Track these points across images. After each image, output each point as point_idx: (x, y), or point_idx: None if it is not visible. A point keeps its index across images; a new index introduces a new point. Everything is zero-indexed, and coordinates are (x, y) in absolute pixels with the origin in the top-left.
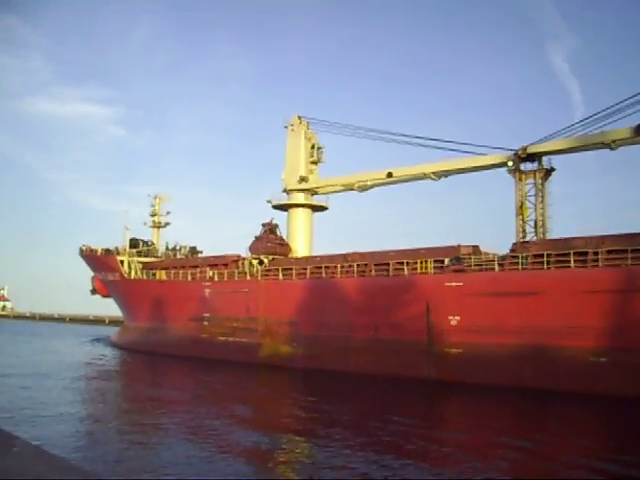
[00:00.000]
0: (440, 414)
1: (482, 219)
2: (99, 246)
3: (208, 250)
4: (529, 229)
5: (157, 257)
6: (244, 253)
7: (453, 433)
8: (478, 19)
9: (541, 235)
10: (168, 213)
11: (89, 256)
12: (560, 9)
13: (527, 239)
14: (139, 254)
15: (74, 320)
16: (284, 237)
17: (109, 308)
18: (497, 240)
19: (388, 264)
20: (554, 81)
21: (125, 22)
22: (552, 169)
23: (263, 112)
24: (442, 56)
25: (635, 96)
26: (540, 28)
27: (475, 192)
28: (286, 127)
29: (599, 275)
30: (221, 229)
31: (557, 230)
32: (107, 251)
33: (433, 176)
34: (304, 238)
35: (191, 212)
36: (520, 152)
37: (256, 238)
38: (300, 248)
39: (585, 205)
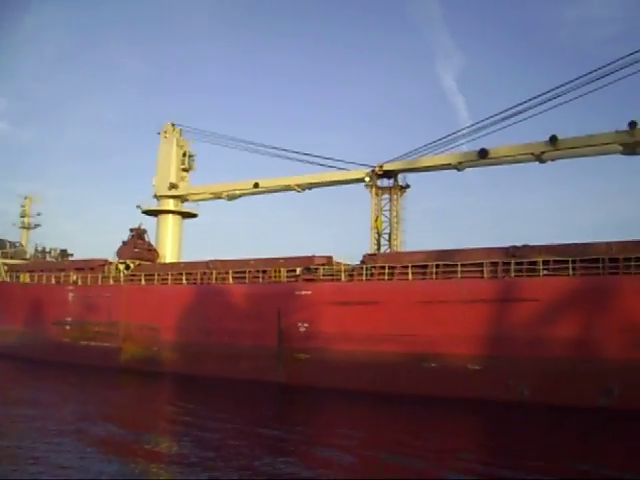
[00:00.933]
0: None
1: (354, 231)
2: None
3: (85, 253)
4: (383, 242)
5: (25, 259)
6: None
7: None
8: (369, 34)
9: (394, 248)
10: (39, 214)
11: None
12: (450, 28)
13: (381, 251)
14: (5, 256)
15: None
16: (152, 243)
17: None
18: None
19: (245, 272)
20: (443, 98)
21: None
22: (407, 186)
23: (151, 113)
24: (331, 69)
25: (474, 125)
26: (431, 47)
27: (346, 204)
28: (159, 133)
29: (431, 287)
30: (102, 232)
31: (412, 243)
32: None
33: (297, 188)
34: (173, 244)
35: (74, 212)
36: (377, 169)
37: (124, 243)
38: (168, 254)
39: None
